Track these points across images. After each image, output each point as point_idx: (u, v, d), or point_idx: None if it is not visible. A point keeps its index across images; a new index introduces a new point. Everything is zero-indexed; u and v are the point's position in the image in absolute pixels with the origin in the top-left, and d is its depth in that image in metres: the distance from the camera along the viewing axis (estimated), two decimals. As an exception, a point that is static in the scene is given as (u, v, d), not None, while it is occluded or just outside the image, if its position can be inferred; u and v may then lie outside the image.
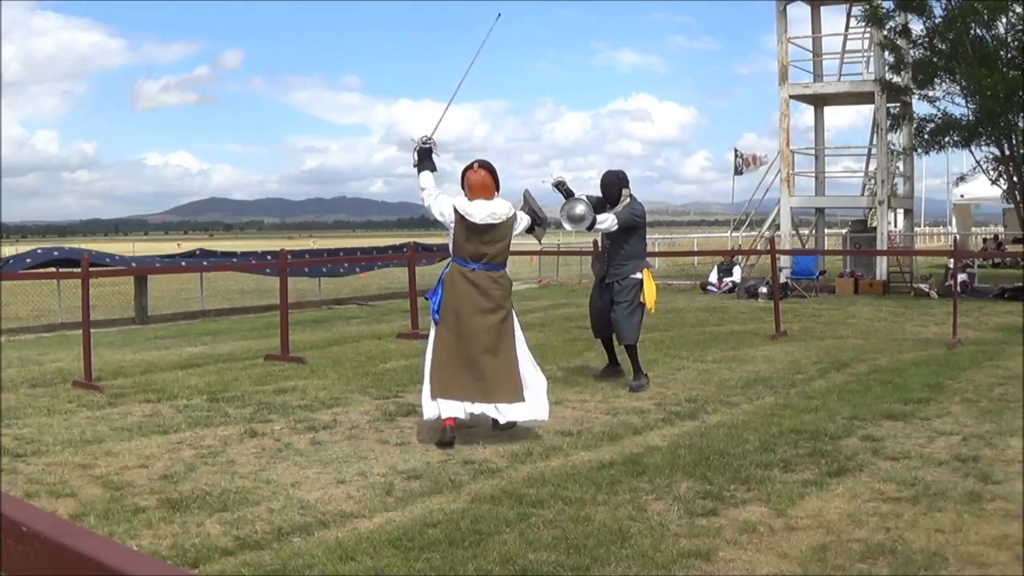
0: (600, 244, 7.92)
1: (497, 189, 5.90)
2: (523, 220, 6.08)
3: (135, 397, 7.40)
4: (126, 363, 9.36)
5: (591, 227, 7.35)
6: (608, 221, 7.35)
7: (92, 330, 8.63)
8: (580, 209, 7.18)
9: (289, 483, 4.86)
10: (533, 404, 5.76)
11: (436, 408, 5.65)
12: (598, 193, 7.68)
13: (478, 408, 5.70)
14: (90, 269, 8.89)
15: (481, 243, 5.75)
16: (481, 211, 5.72)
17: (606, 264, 7.68)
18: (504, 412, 5.71)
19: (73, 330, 12.42)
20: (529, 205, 6.53)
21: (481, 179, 5.77)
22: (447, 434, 5.59)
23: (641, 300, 7.54)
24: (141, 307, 14.83)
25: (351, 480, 4.92)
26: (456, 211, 5.74)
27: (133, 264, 15.37)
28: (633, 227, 7.51)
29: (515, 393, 5.71)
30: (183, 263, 15.69)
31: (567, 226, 7.44)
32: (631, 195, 7.62)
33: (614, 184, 7.60)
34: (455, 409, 5.65)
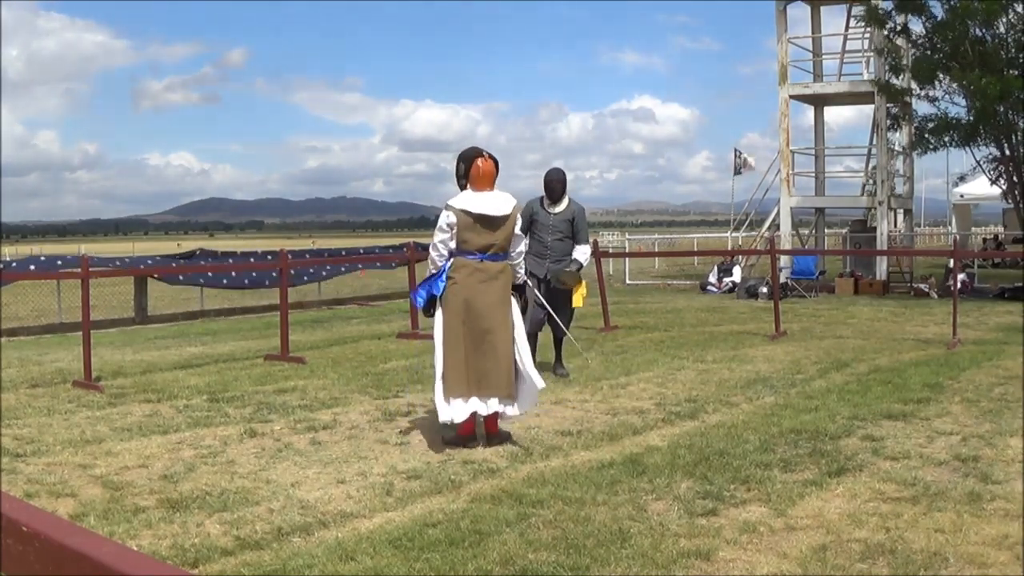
0: (544, 243, 8.09)
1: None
2: (518, 223, 6.01)
3: (135, 397, 7.40)
4: (126, 363, 9.36)
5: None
6: (588, 250, 8.29)
7: (92, 330, 8.63)
8: (573, 267, 7.99)
9: (289, 483, 4.86)
10: (523, 398, 5.75)
11: (450, 411, 5.57)
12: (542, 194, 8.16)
13: (491, 407, 5.63)
14: (90, 270, 8.89)
15: (491, 234, 5.73)
16: (492, 204, 5.71)
17: (547, 262, 8.06)
18: (502, 408, 5.69)
19: (73, 330, 12.42)
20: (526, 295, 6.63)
21: (491, 169, 5.80)
22: (468, 441, 5.58)
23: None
24: (141, 307, 14.83)
25: (351, 480, 4.92)
26: (466, 213, 5.67)
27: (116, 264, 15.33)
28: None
29: (510, 390, 5.67)
30: (181, 273, 15.55)
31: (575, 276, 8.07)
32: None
33: (560, 181, 8.08)
34: (470, 407, 5.58)
